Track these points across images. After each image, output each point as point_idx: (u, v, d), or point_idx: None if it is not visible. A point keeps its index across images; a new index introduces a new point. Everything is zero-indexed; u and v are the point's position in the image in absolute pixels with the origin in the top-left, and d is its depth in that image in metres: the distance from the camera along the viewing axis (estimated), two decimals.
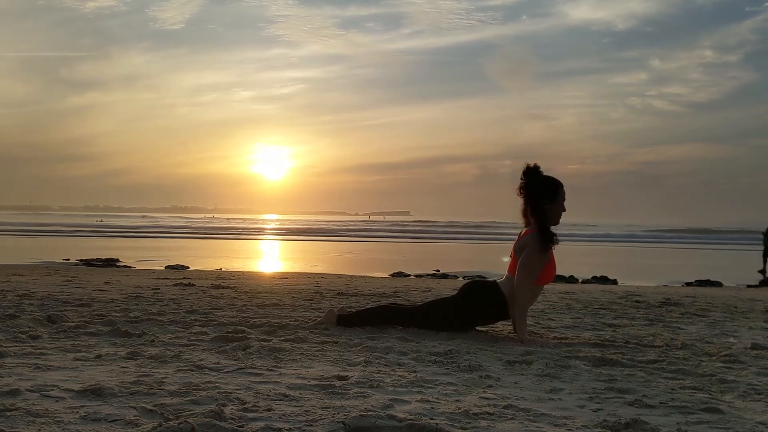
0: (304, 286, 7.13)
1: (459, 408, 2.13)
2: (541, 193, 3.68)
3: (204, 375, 2.55)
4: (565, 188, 3.73)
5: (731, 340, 3.88)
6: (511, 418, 2.05)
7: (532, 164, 3.71)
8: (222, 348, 3.10)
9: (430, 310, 3.83)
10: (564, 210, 3.72)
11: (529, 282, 3.62)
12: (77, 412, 1.97)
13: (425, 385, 2.48)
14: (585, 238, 36.15)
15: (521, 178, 3.73)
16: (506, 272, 3.79)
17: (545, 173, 3.73)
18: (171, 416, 1.94)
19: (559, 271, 3.78)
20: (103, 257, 14.74)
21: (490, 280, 3.92)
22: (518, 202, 3.79)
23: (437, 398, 2.27)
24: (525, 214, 3.76)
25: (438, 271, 13.28)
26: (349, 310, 4.08)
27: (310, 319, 4.17)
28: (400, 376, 2.60)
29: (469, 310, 3.77)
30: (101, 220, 58.08)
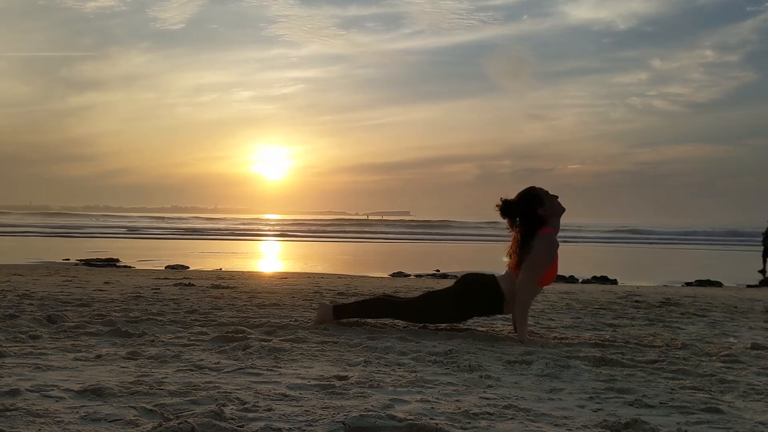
0: (304, 286, 7.13)
1: (459, 408, 2.13)
2: (528, 209, 3.68)
3: (204, 375, 2.55)
4: (535, 185, 3.75)
5: (731, 340, 3.89)
6: (511, 418, 2.05)
7: (499, 202, 3.75)
8: (222, 348, 3.10)
9: (427, 302, 3.83)
10: (556, 196, 3.71)
11: (531, 282, 3.62)
12: (77, 412, 1.97)
13: (425, 385, 2.48)
14: (585, 239, 36.14)
15: (505, 218, 3.76)
16: (506, 270, 3.78)
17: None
18: (171, 416, 1.94)
19: (559, 271, 3.77)
20: (103, 257, 14.73)
21: (489, 273, 3.90)
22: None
23: (437, 398, 2.27)
24: (516, 242, 3.72)
25: (438, 271, 13.27)
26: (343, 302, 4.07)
27: (310, 319, 4.17)
28: (400, 376, 2.60)
29: (465, 303, 3.76)
30: (98, 219, 58.32)
